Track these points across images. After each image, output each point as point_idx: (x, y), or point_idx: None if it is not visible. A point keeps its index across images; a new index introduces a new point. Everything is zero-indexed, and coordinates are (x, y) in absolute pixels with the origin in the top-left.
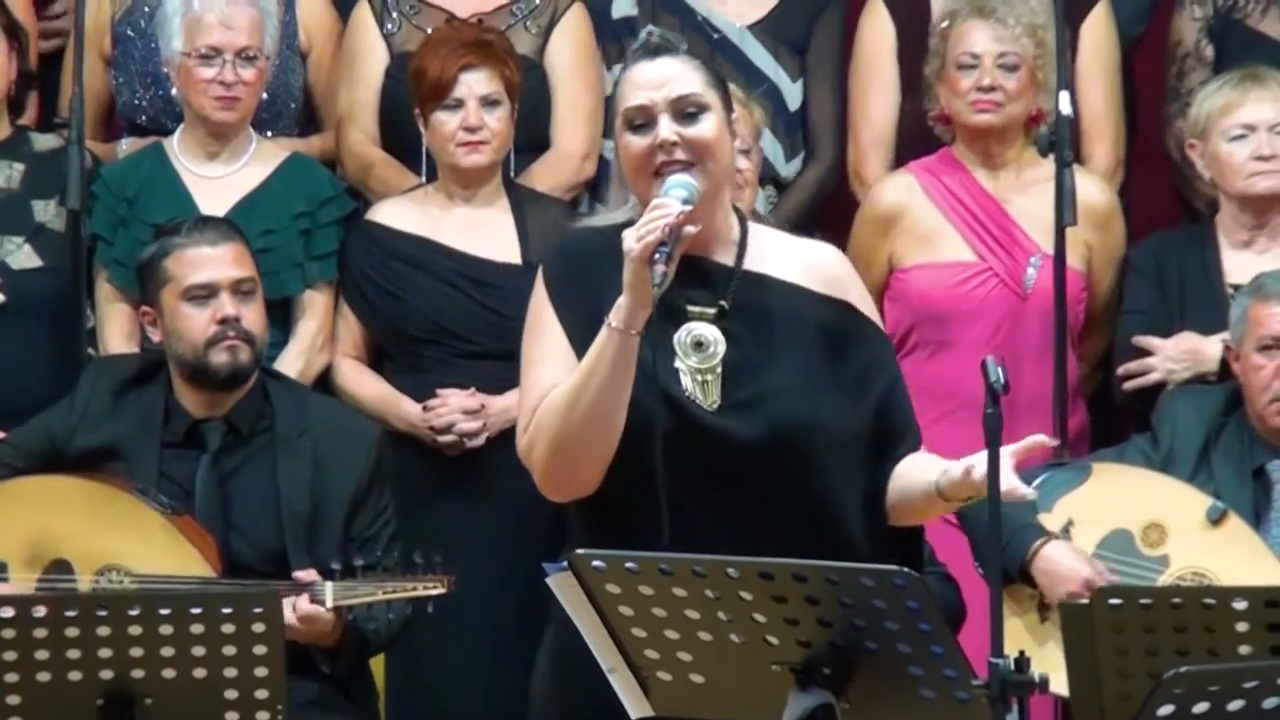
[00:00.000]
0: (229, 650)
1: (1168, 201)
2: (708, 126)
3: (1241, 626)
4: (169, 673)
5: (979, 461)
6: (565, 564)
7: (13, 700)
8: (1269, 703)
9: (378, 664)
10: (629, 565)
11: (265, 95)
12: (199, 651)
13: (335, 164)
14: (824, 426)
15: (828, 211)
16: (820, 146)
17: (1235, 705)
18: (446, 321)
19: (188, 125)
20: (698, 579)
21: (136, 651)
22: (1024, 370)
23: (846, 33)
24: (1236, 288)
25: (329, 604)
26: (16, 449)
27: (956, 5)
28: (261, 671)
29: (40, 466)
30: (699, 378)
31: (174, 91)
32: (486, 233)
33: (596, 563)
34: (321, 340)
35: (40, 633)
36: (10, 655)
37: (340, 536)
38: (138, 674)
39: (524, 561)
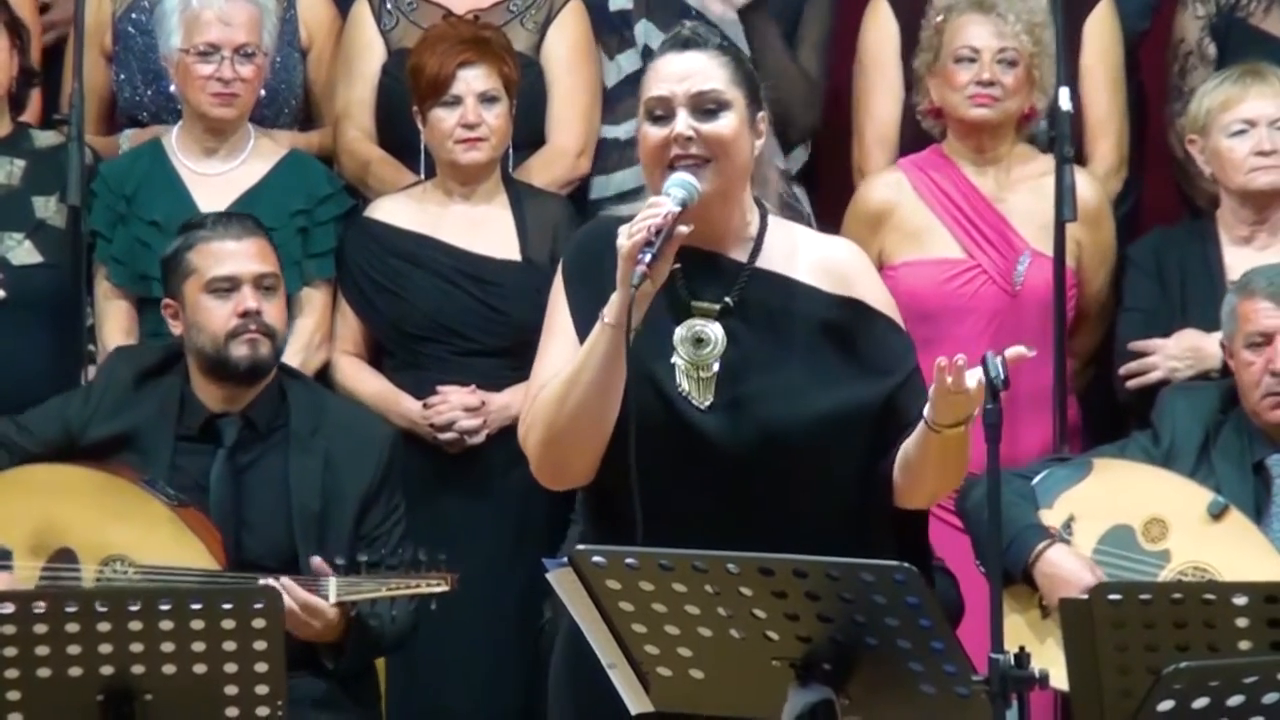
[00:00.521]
0: (229, 645)
1: (1177, 198)
2: (726, 124)
3: (1241, 622)
4: (169, 668)
5: (954, 371)
6: (565, 560)
7: (13, 696)
8: (1269, 698)
9: (379, 660)
10: (629, 561)
11: (266, 92)
12: (199, 647)
13: (333, 160)
14: (818, 429)
15: (829, 208)
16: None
17: (1235, 700)
18: (446, 319)
19: (186, 122)
20: (698, 574)
21: (137, 647)
22: (1014, 367)
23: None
24: None
25: (332, 599)
26: (32, 434)
27: (952, 0)
28: (262, 667)
29: (54, 454)
30: (694, 375)
31: (172, 88)
32: (485, 229)
33: (596, 559)
34: (319, 338)
35: (40, 628)
36: (10, 651)
37: (350, 535)
38: (138, 669)
39: (524, 558)
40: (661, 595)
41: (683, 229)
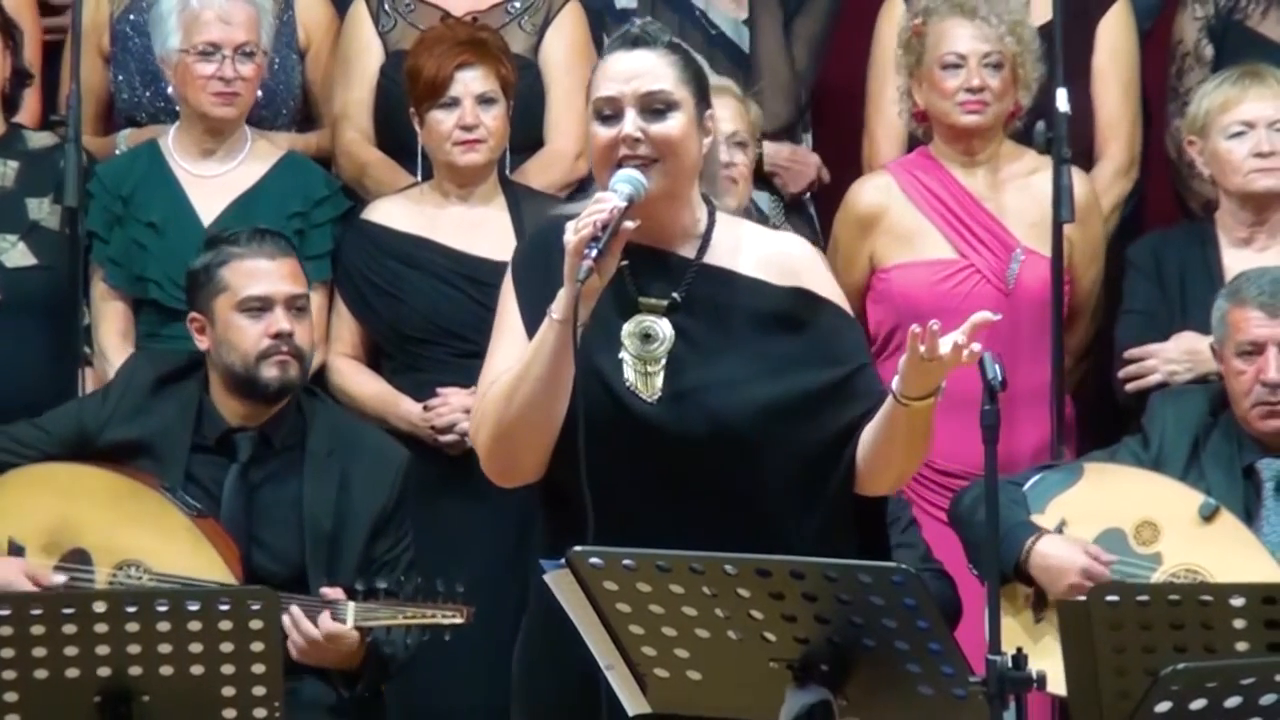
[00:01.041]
0: (226, 647)
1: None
2: (673, 125)
3: (1238, 623)
4: (166, 670)
5: (928, 338)
6: (563, 561)
7: (10, 698)
8: (1266, 699)
9: None
10: (626, 562)
11: (264, 93)
12: (196, 648)
13: (330, 162)
14: (766, 419)
15: (832, 208)
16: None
17: (1232, 702)
18: (444, 321)
19: (183, 123)
20: (695, 576)
21: (134, 649)
22: (1009, 365)
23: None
24: None
25: (350, 623)
26: (48, 434)
27: (931, 2)
28: (259, 668)
29: (69, 454)
30: (641, 369)
31: (169, 91)
32: (483, 231)
33: (594, 560)
34: (315, 340)
35: (38, 630)
36: (8, 652)
37: (359, 558)
38: (135, 671)
39: (524, 560)
40: (659, 596)
41: (629, 224)
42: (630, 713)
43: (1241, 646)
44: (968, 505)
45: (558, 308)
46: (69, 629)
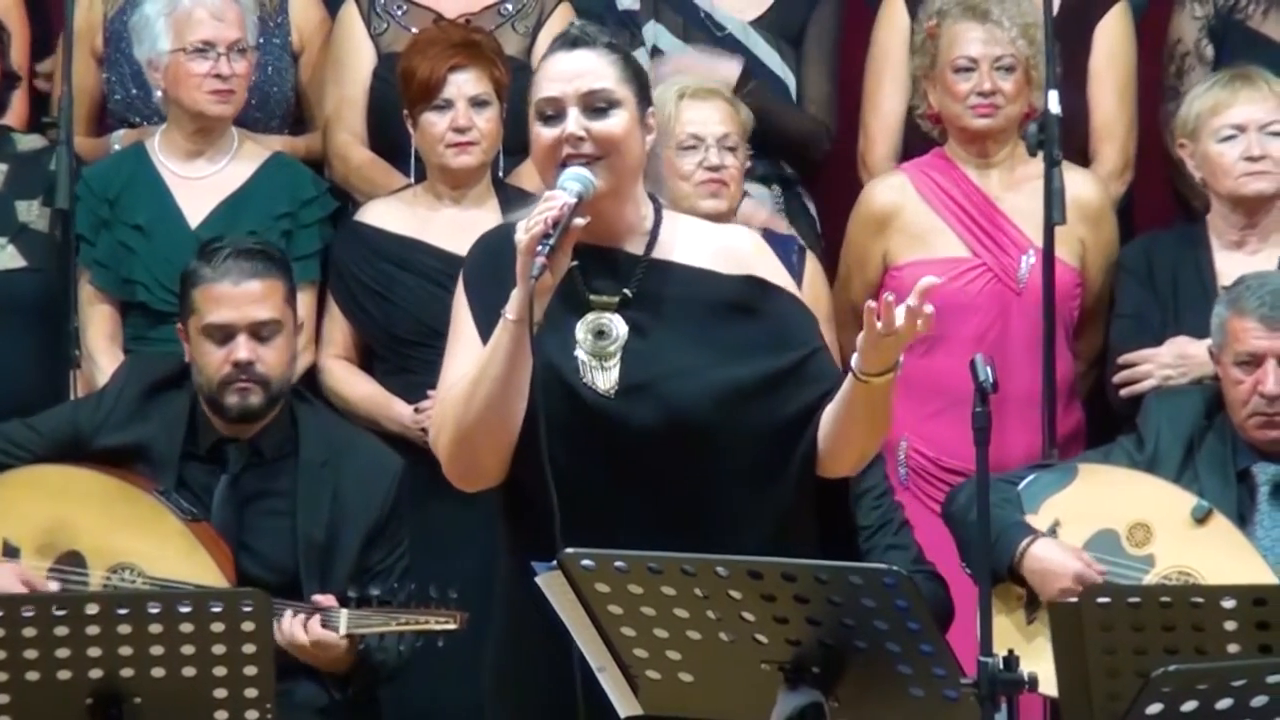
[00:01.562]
0: (218, 649)
1: (1169, 200)
2: (616, 123)
3: (1230, 625)
4: (158, 672)
5: (884, 310)
6: (554, 563)
7: (1, 699)
8: (1257, 701)
9: None
10: (618, 564)
11: (258, 95)
12: (188, 650)
13: (323, 164)
14: (723, 406)
15: (834, 209)
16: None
17: (1224, 704)
18: (435, 322)
19: (170, 125)
20: (686, 578)
21: (125, 650)
22: (1017, 365)
23: (847, 25)
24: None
25: (343, 631)
26: (42, 436)
27: (944, 4)
28: (250, 670)
29: (62, 457)
30: (596, 365)
31: (156, 94)
32: (476, 233)
33: (585, 561)
34: (304, 341)
35: (29, 631)
36: None
37: (353, 568)
38: (127, 673)
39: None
40: (650, 598)
41: (579, 221)
42: (622, 715)
43: (1233, 648)
44: (962, 504)
45: (512, 308)
46: (60, 631)
